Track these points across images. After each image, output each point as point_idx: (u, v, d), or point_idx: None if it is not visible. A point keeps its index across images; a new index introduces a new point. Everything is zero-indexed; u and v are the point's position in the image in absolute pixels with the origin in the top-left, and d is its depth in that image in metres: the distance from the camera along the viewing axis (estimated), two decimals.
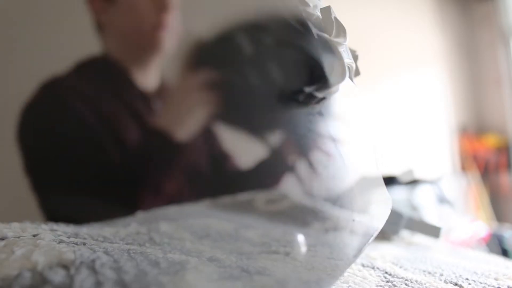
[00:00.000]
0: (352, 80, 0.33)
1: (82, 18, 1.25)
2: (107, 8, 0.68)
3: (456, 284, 0.36)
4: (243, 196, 0.74)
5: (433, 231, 0.58)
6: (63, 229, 0.36)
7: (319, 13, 0.32)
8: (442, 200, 1.76)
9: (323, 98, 0.34)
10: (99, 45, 0.73)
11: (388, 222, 0.32)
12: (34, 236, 0.30)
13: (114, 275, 0.23)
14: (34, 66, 1.35)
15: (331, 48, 0.32)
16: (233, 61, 0.69)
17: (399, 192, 1.54)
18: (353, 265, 0.39)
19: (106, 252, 0.28)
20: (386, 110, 2.27)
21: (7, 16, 1.17)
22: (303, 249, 0.42)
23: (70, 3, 1.03)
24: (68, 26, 1.37)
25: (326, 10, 0.32)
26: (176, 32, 0.70)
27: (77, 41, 1.33)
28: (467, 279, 0.38)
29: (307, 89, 0.34)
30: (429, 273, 0.39)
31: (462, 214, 2.16)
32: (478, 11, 2.83)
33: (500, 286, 0.36)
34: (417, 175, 1.67)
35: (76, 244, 0.29)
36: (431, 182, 1.74)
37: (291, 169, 0.72)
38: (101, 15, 0.70)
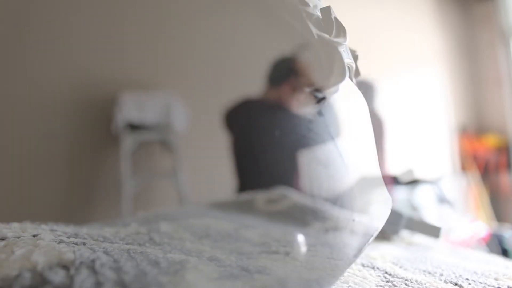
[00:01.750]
0: (352, 80, 0.33)
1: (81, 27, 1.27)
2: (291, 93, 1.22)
3: (456, 284, 0.36)
4: (243, 196, 0.74)
5: (433, 231, 0.58)
6: (63, 229, 0.36)
7: (319, 13, 0.32)
8: (442, 200, 1.76)
9: (323, 98, 0.34)
10: None
11: (388, 222, 0.32)
12: (34, 236, 0.30)
13: (114, 275, 0.23)
14: (33, 69, 1.35)
15: (331, 48, 0.32)
16: None
17: (399, 192, 1.54)
18: (353, 265, 0.39)
19: (106, 252, 0.28)
20: (386, 110, 2.27)
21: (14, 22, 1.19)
22: (303, 249, 0.42)
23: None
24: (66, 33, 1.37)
25: (326, 10, 0.32)
26: None
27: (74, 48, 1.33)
28: (467, 279, 0.38)
29: (307, 89, 0.34)
30: (429, 273, 0.39)
31: (462, 214, 2.16)
32: (478, 11, 2.83)
33: (500, 286, 0.36)
34: (417, 175, 1.67)
35: (76, 244, 0.29)
36: (431, 182, 1.74)
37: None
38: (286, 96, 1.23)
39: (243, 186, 1.26)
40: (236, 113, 1.32)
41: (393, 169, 1.82)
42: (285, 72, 1.29)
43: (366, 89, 1.76)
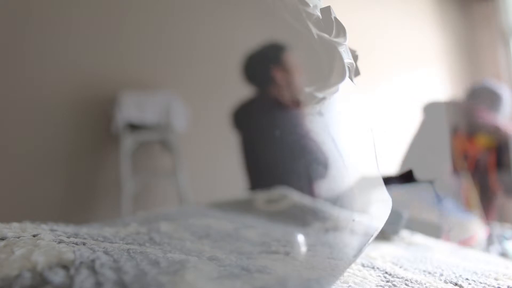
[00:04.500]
0: (352, 80, 0.33)
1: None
2: (284, 76, 1.23)
3: (456, 284, 0.36)
4: (243, 196, 0.74)
5: (433, 231, 0.58)
6: (63, 229, 0.36)
7: (319, 13, 0.32)
8: (442, 199, 1.76)
9: (323, 98, 0.34)
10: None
11: (388, 222, 0.32)
12: (34, 236, 0.30)
13: (113, 275, 0.23)
14: (32, 69, 1.35)
15: (331, 48, 0.32)
16: None
17: (399, 192, 1.54)
18: (353, 265, 0.39)
19: (106, 252, 0.28)
20: (386, 110, 2.27)
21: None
22: (303, 249, 0.42)
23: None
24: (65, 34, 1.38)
25: (326, 10, 0.32)
26: None
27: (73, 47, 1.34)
28: (467, 279, 0.38)
29: (307, 89, 0.34)
30: (429, 273, 0.39)
31: (462, 214, 2.15)
32: (478, 11, 2.83)
33: (500, 286, 0.36)
34: (417, 174, 1.67)
35: (76, 244, 0.29)
36: (431, 181, 1.74)
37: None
38: (280, 79, 1.24)
39: (253, 185, 1.27)
40: (244, 112, 1.32)
41: (393, 169, 1.82)
42: (267, 70, 1.28)
43: (490, 97, 1.52)
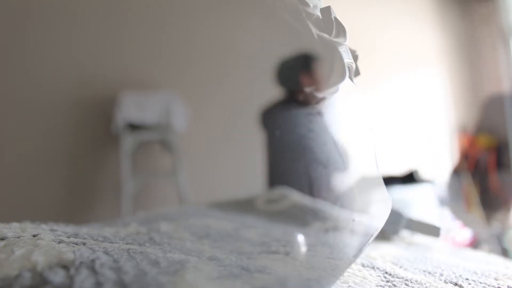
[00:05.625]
0: (352, 80, 0.33)
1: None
2: (311, 83, 1.22)
3: (456, 284, 0.36)
4: (243, 196, 0.74)
5: (433, 231, 0.58)
6: (63, 229, 0.36)
7: (319, 13, 0.32)
8: (443, 199, 1.76)
9: (323, 98, 0.34)
10: None
11: (388, 222, 0.32)
12: (34, 236, 0.30)
13: (113, 275, 0.23)
14: (33, 69, 1.35)
15: (331, 48, 0.32)
16: None
17: (399, 192, 1.54)
18: (353, 265, 0.39)
19: (106, 252, 0.28)
20: (386, 110, 2.27)
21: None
22: (303, 249, 0.42)
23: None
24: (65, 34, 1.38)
25: (326, 10, 0.32)
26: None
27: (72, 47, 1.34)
28: (467, 279, 0.38)
29: (307, 89, 0.34)
30: (429, 273, 0.39)
31: (462, 214, 2.16)
32: (478, 11, 2.83)
33: (500, 286, 0.36)
34: (418, 174, 1.67)
35: (76, 244, 0.29)
36: (432, 181, 1.74)
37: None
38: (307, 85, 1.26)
39: (273, 183, 1.30)
40: (271, 112, 1.37)
41: (395, 169, 1.82)
42: (295, 74, 1.35)
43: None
